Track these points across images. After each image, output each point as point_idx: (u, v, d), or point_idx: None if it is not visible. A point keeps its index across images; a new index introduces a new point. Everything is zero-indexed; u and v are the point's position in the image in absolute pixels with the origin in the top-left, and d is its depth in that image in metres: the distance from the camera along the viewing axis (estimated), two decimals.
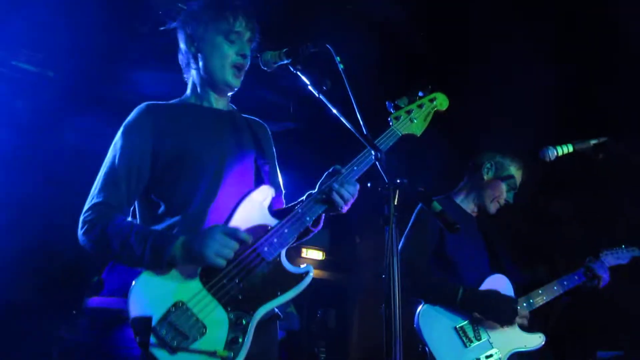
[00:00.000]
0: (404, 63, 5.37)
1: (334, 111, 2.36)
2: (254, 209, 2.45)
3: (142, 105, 2.63)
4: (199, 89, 2.74)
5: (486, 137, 5.16)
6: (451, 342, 3.46)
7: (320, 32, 4.40)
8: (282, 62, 2.62)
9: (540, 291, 3.75)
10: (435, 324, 3.49)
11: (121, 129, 2.58)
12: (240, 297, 2.27)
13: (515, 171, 3.91)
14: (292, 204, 2.60)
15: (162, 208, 2.50)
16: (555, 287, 3.78)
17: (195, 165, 2.52)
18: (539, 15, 4.78)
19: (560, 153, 3.22)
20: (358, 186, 2.40)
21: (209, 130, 2.65)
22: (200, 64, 2.68)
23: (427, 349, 3.42)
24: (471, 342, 3.48)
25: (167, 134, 2.56)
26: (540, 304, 3.74)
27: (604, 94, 5.04)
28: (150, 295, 2.21)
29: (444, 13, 4.92)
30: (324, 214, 2.48)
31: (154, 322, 2.15)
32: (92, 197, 2.45)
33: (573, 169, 4.08)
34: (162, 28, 2.96)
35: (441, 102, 2.79)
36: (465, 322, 3.53)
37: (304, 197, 2.54)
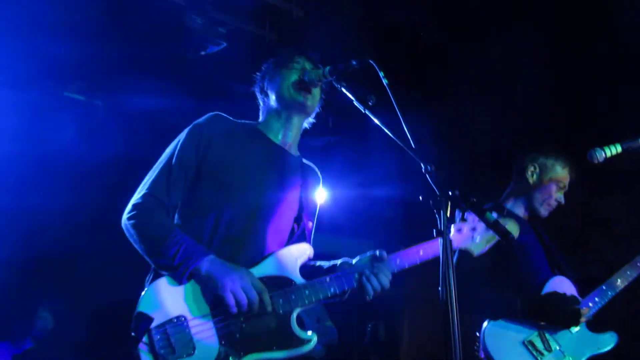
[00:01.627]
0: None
1: (382, 126, 2.38)
2: (287, 260, 2.49)
3: (213, 113, 2.74)
4: (268, 119, 2.84)
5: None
6: (522, 358, 3.34)
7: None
8: (326, 80, 2.66)
9: (604, 287, 3.62)
10: (503, 341, 3.37)
11: (189, 128, 2.67)
12: (237, 336, 2.30)
13: (561, 170, 3.82)
14: (325, 266, 2.64)
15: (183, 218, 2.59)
16: (619, 280, 3.63)
17: (231, 187, 2.57)
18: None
19: (609, 154, 3.14)
20: (390, 278, 2.46)
21: (261, 160, 2.69)
22: (270, 96, 2.80)
23: None
24: (542, 354, 3.36)
25: (218, 147, 2.62)
26: (607, 299, 3.60)
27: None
28: (161, 299, 2.28)
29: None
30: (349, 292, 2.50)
31: (152, 325, 2.22)
32: (146, 186, 2.52)
33: (624, 167, 3.97)
34: (203, 52, 3.05)
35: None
36: (534, 334, 3.41)
37: (338, 262, 2.61)
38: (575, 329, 3.48)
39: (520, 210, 3.87)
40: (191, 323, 2.25)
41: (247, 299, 2.29)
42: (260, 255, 2.55)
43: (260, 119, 2.89)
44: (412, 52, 5.24)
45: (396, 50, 4.84)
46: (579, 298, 3.54)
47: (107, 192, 5.25)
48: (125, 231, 2.47)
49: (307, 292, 2.43)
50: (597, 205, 5.40)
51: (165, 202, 2.49)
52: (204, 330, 2.25)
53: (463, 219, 2.64)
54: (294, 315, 2.40)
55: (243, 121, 2.83)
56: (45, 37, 4.74)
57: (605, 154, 3.12)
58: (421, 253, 2.56)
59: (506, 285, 3.52)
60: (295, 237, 2.76)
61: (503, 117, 5.31)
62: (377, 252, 2.54)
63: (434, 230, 2.04)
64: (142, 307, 2.24)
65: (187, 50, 4.57)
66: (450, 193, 2.04)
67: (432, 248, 2.55)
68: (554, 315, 3.40)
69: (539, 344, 3.39)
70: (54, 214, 5.78)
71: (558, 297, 3.44)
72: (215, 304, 2.32)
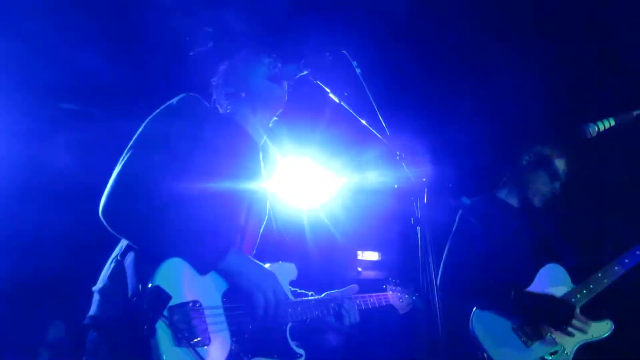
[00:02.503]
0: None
1: (356, 116, 2.36)
2: (281, 276, 2.43)
3: (191, 95, 2.49)
4: (243, 113, 2.72)
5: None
6: (511, 344, 3.28)
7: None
8: (302, 73, 2.64)
9: (599, 274, 3.53)
10: (492, 328, 3.33)
11: (180, 114, 2.41)
12: (245, 337, 2.23)
13: (556, 160, 3.72)
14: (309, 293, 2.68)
15: None
16: (616, 268, 3.54)
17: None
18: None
19: (601, 128, 3.07)
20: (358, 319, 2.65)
21: (243, 156, 2.63)
22: (241, 92, 2.71)
23: (485, 354, 3.27)
24: (532, 341, 3.32)
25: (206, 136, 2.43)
26: (601, 288, 3.52)
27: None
28: (179, 278, 2.08)
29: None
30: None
31: (171, 303, 1.99)
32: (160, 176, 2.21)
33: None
34: (191, 53, 3.00)
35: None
36: (523, 322, 3.35)
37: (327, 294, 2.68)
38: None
39: (514, 200, 3.79)
40: (206, 311, 2.10)
41: (274, 301, 2.26)
42: (247, 250, 2.56)
43: (230, 108, 2.75)
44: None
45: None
46: (568, 300, 3.46)
47: None
48: (138, 222, 2.15)
49: (299, 308, 2.48)
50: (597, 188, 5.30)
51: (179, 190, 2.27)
52: (217, 323, 2.13)
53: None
54: (288, 328, 2.43)
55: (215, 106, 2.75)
56: (36, 48, 4.76)
57: (598, 128, 3.05)
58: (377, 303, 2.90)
59: (497, 273, 3.45)
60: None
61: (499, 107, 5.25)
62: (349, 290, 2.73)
63: (412, 219, 2.01)
64: (160, 281, 2.00)
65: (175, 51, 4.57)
66: (424, 179, 2.01)
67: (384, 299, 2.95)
68: (547, 318, 3.34)
69: (529, 331, 3.33)
70: (61, 224, 5.80)
71: (551, 301, 3.38)
72: (229, 296, 2.22)
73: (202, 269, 2.16)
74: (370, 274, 8.21)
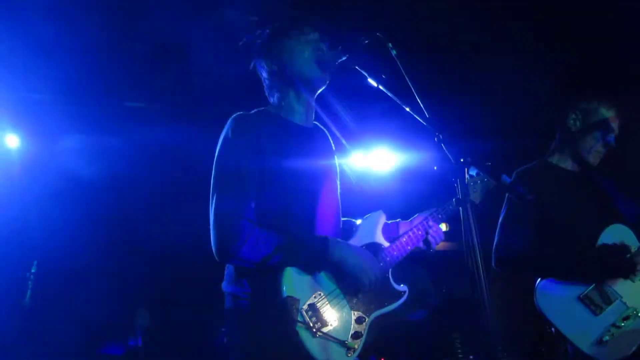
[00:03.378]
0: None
1: (395, 99, 2.37)
2: (372, 228, 2.81)
3: (237, 115, 2.67)
4: (285, 101, 2.79)
5: None
6: (579, 314, 3.18)
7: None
8: (341, 60, 2.65)
9: None
10: (557, 300, 3.22)
11: (235, 133, 2.60)
12: (362, 301, 2.62)
13: (606, 112, 3.53)
14: (401, 224, 2.91)
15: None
16: None
17: (287, 180, 2.62)
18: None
19: None
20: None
21: (296, 147, 2.72)
22: (281, 73, 2.75)
23: (553, 329, 3.18)
24: (601, 308, 3.20)
25: (263, 146, 2.62)
26: None
27: None
28: (298, 282, 2.47)
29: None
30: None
31: (301, 305, 2.42)
32: (227, 206, 2.50)
33: None
34: (240, 43, 3.06)
35: None
36: (590, 287, 3.23)
37: (409, 222, 2.89)
38: (638, 279, 3.26)
39: (567, 164, 3.63)
40: (328, 298, 2.51)
41: (375, 276, 2.58)
42: (336, 228, 2.78)
43: (273, 100, 2.83)
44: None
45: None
46: (629, 245, 3.33)
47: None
48: (238, 261, 2.49)
49: (394, 253, 2.75)
50: None
51: (250, 215, 2.53)
52: (338, 303, 2.54)
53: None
54: (390, 274, 2.75)
55: (257, 110, 2.78)
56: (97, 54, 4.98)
57: None
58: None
59: (554, 243, 3.35)
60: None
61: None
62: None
63: (453, 199, 2.02)
64: (288, 291, 2.40)
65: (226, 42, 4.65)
66: (463, 160, 2.01)
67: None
68: (608, 268, 3.23)
69: (597, 298, 3.22)
70: (147, 215, 6.10)
71: (609, 248, 3.27)
72: (340, 279, 2.57)
73: (312, 272, 2.52)
74: (440, 245, 8.12)
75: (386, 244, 2.78)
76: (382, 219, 2.85)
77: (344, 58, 2.63)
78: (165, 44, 4.94)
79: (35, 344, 5.65)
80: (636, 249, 3.36)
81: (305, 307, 2.43)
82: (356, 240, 2.74)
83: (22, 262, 6.03)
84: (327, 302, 2.49)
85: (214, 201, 2.51)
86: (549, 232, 3.36)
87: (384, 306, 2.67)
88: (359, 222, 2.84)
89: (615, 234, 3.38)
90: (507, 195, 3.51)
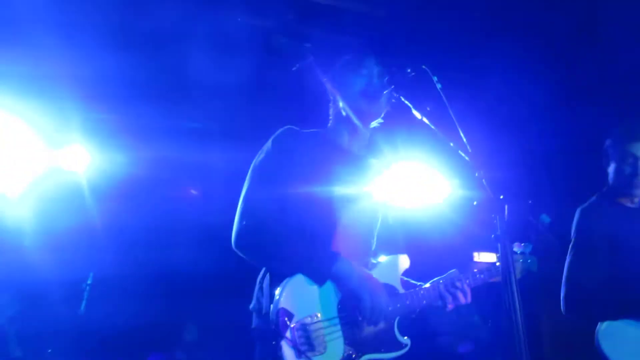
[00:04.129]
0: None
1: (438, 132, 2.38)
2: (393, 270, 2.73)
3: (288, 128, 2.80)
4: (336, 125, 2.90)
5: None
6: None
7: None
8: (386, 91, 2.68)
9: None
10: (623, 341, 3.14)
11: (279, 146, 2.73)
12: (357, 337, 2.50)
13: (632, 146, 3.42)
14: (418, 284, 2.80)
15: None
16: None
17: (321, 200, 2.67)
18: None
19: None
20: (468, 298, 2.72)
21: (336, 167, 2.76)
22: (338, 101, 2.85)
23: None
24: None
25: (304, 162, 2.70)
26: None
27: None
28: (299, 296, 2.42)
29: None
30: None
31: (294, 321, 2.36)
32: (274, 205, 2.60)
33: None
34: (294, 68, 3.16)
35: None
36: None
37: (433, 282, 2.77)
38: None
39: (625, 200, 3.53)
40: (323, 323, 2.42)
41: (379, 306, 2.51)
42: (364, 259, 2.74)
43: (330, 123, 2.93)
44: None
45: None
46: None
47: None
48: (265, 251, 2.57)
49: (407, 302, 2.65)
50: None
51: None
52: (333, 332, 2.44)
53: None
54: (397, 321, 2.65)
55: (311, 130, 2.88)
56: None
57: None
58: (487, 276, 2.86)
59: (619, 283, 3.26)
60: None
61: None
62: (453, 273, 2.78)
63: (492, 235, 2.02)
64: (284, 303, 2.37)
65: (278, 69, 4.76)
66: (502, 197, 2.00)
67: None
68: None
69: None
70: (193, 227, 6.20)
71: None
72: (344, 304, 2.50)
73: (319, 280, 2.47)
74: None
75: (402, 290, 2.70)
76: (406, 264, 2.78)
77: (389, 89, 2.65)
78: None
79: (86, 354, 5.82)
80: None
81: (296, 324, 2.36)
82: (373, 271, 2.69)
83: (79, 273, 6.21)
84: (321, 328, 2.41)
85: (245, 192, 2.64)
86: (620, 272, 3.28)
87: (380, 352, 2.54)
88: (381, 259, 2.78)
89: None
90: (575, 232, 3.47)
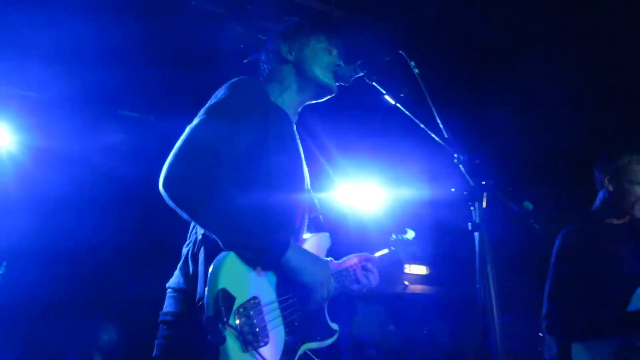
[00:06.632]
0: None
1: (413, 118, 2.29)
2: (318, 249, 2.48)
3: (247, 78, 2.48)
4: (286, 93, 2.64)
5: None
6: None
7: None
8: (357, 75, 2.58)
9: None
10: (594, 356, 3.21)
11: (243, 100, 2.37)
12: (296, 324, 2.24)
13: (636, 166, 3.52)
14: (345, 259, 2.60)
15: None
16: None
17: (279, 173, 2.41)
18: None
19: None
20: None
21: (291, 144, 2.59)
22: (293, 67, 2.63)
23: None
24: None
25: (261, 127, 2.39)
26: None
27: None
28: (237, 275, 2.05)
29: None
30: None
31: (235, 306, 1.98)
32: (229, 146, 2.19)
33: None
34: (245, 61, 2.99)
35: None
36: (622, 344, 3.19)
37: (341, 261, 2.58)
38: None
39: (613, 219, 3.61)
40: (264, 308, 2.09)
41: (328, 294, 2.29)
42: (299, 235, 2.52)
43: (271, 84, 2.63)
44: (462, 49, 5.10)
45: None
46: None
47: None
48: (204, 192, 2.07)
49: (335, 284, 2.40)
50: None
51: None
52: (274, 318, 2.13)
53: None
54: (326, 306, 2.43)
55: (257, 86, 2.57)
56: (89, 62, 4.90)
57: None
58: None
59: (591, 300, 3.32)
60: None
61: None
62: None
63: (469, 224, 1.92)
64: (223, 282, 1.97)
65: (228, 59, 4.61)
66: (484, 183, 1.92)
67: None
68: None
69: (630, 354, 3.16)
70: (114, 231, 5.92)
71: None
72: (281, 289, 2.21)
73: (264, 266, 2.14)
74: (418, 288, 8.00)
75: None
76: (328, 242, 2.56)
77: (361, 74, 2.55)
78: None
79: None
80: None
81: (239, 309, 1.98)
82: None
83: None
84: (262, 314, 2.06)
85: (196, 123, 2.19)
86: (599, 292, 3.32)
87: (316, 340, 2.30)
88: (306, 236, 2.53)
89: None
90: (556, 246, 3.53)
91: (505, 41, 4.83)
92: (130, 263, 6.04)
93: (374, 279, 2.57)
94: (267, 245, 2.11)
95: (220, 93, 2.37)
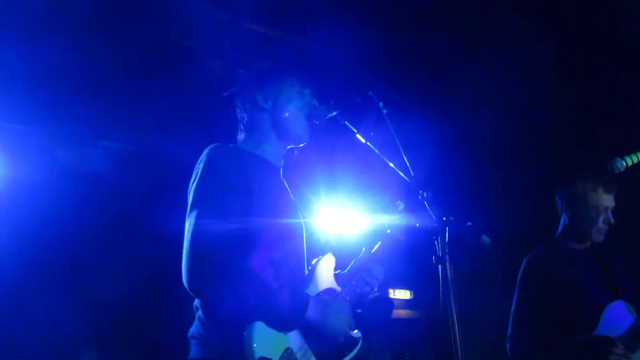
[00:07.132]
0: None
1: (382, 156, 2.43)
2: (328, 273, 2.64)
3: (217, 146, 2.52)
4: (266, 143, 2.70)
5: None
6: None
7: None
8: (331, 114, 2.65)
9: None
10: None
11: (222, 172, 2.44)
12: (326, 352, 2.45)
13: (593, 194, 3.57)
14: (348, 272, 2.74)
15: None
16: None
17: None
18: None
19: (629, 163, 3.01)
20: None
21: (279, 191, 2.65)
22: (271, 116, 2.69)
23: None
24: None
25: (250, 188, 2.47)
26: None
27: None
28: (267, 338, 2.27)
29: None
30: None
31: None
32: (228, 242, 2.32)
33: None
34: (225, 94, 3.06)
35: None
36: None
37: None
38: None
39: (575, 244, 3.67)
40: (297, 354, 2.35)
41: (350, 330, 2.50)
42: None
43: (250, 135, 2.73)
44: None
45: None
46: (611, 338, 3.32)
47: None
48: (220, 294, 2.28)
49: (347, 297, 2.59)
50: None
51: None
52: (308, 358, 2.40)
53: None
54: None
55: (237, 147, 2.70)
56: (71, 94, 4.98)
57: (626, 163, 2.98)
58: None
59: (554, 325, 3.42)
60: None
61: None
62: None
63: (433, 257, 2.06)
64: (260, 352, 2.20)
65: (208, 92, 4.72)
66: (444, 219, 2.06)
67: None
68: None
69: None
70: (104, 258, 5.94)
71: (601, 341, 3.28)
72: (310, 334, 2.41)
73: (288, 330, 2.35)
74: (403, 313, 8.08)
75: (338, 288, 2.65)
76: (333, 261, 2.69)
77: (334, 113, 2.64)
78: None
79: None
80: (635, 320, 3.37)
81: None
82: (315, 285, 2.57)
83: None
84: (297, 359, 2.33)
85: (192, 229, 2.30)
86: (562, 317, 3.40)
87: (345, 356, 2.53)
88: (314, 262, 2.65)
89: (614, 311, 3.39)
90: (520, 272, 3.61)
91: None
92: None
93: (379, 273, 2.70)
94: (290, 313, 2.31)
95: (200, 167, 2.44)
